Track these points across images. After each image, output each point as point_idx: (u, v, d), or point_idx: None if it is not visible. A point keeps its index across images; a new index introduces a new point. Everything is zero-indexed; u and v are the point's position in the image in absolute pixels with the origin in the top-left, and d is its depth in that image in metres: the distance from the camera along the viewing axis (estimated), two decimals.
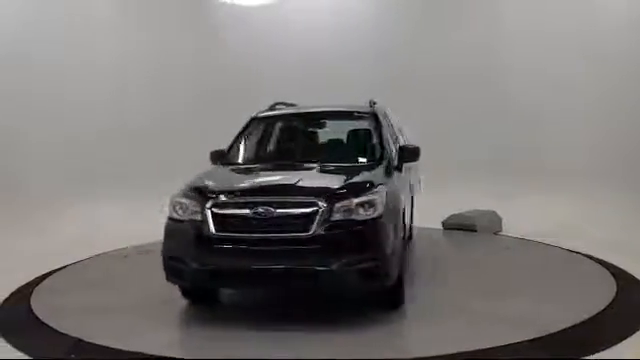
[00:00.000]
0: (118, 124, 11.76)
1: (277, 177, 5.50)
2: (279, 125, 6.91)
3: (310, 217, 4.57)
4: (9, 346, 4.57)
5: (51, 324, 4.98)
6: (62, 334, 4.75)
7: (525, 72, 11.75)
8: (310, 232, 4.54)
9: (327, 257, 4.51)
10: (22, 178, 10.79)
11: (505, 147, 11.56)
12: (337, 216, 4.61)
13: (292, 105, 7.24)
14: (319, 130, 7.01)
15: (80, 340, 4.58)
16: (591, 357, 4.10)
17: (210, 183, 5.17)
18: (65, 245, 8.27)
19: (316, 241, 4.53)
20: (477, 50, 11.95)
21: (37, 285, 6.32)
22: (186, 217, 4.89)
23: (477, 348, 4.25)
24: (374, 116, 6.33)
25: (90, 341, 4.54)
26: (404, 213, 5.58)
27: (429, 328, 4.83)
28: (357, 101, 6.82)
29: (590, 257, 6.96)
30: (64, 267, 7.13)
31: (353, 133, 6.57)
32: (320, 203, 4.60)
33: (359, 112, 6.65)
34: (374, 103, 6.95)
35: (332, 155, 6.25)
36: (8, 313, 5.45)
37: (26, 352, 4.43)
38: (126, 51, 12.18)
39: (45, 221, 9.79)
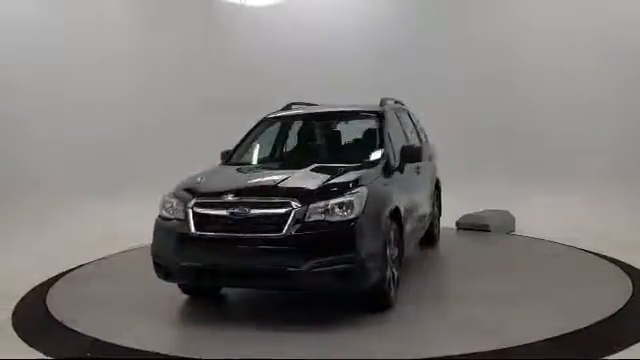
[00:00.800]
0: (135, 124, 11.89)
1: (264, 177, 5.51)
2: (285, 126, 6.96)
3: (283, 218, 4.63)
4: (26, 345, 4.60)
5: (67, 323, 5.01)
6: (79, 333, 4.78)
7: (539, 71, 11.73)
8: (282, 232, 4.60)
9: (298, 258, 4.55)
10: (39, 178, 10.94)
11: (519, 147, 11.55)
12: (311, 217, 4.65)
13: (309, 105, 7.27)
14: (325, 130, 7.00)
15: (97, 340, 4.60)
16: (608, 357, 4.08)
17: (198, 183, 5.29)
18: (80, 244, 8.34)
19: (288, 241, 4.59)
20: (493, 48, 11.94)
21: (52, 285, 6.35)
22: (173, 216, 5.05)
23: (491, 349, 4.22)
24: (380, 116, 6.28)
25: (107, 340, 4.57)
26: (403, 213, 5.46)
27: (435, 329, 4.83)
28: (375, 100, 6.76)
29: (605, 257, 6.91)
30: (80, 266, 7.16)
31: (361, 133, 6.61)
32: (294, 204, 4.66)
33: (365, 112, 6.65)
34: (398, 102, 7.08)
35: (332, 155, 6.33)
36: (25, 312, 5.48)
37: (43, 351, 4.46)
38: (136, 54, 12.31)
39: (60, 221, 9.90)
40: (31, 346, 4.57)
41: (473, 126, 11.69)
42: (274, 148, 6.87)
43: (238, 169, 5.98)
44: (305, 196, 4.73)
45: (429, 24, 12.29)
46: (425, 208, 7.04)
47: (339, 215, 4.66)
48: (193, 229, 4.83)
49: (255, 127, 6.70)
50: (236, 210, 4.73)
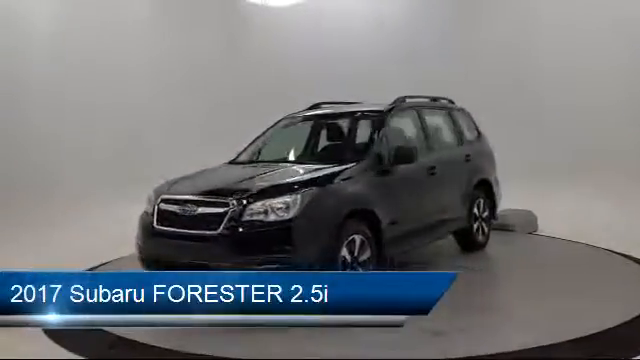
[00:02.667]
0: (152, 126, 11.93)
1: (233, 177, 5.57)
2: (292, 126, 6.96)
3: (221, 216, 4.81)
4: (52, 342, 4.63)
5: None
6: (102, 331, 4.79)
7: (563, 71, 11.63)
8: (217, 231, 4.79)
9: (225, 255, 4.72)
10: (58, 179, 11.01)
11: (541, 146, 11.45)
12: (248, 217, 4.77)
13: (337, 104, 7.22)
14: (322, 130, 6.92)
15: (120, 337, 4.62)
16: (635, 358, 4.03)
17: (175, 182, 5.57)
18: (96, 245, 8.38)
19: (220, 239, 4.78)
20: (512, 49, 11.86)
21: None
22: (149, 210, 5.39)
23: (517, 348, 4.19)
24: (377, 116, 6.22)
25: (130, 338, 4.59)
26: (382, 216, 5.37)
27: (454, 330, 4.73)
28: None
29: (630, 257, 6.81)
30: (100, 265, 7.21)
31: (353, 133, 6.60)
32: (232, 203, 4.81)
33: (363, 112, 6.64)
34: (438, 99, 7.24)
35: (321, 154, 6.48)
36: None
37: (67, 348, 4.51)
38: (158, 54, 12.37)
39: (81, 221, 9.98)
40: (56, 343, 4.61)
41: (492, 125, 11.59)
42: (274, 148, 6.86)
43: (228, 168, 6.18)
44: (243, 196, 4.87)
45: (451, 25, 12.23)
46: (445, 211, 6.74)
47: (276, 215, 4.76)
48: (155, 224, 5.18)
49: (269, 128, 6.87)
50: (185, 207, 5.02)
